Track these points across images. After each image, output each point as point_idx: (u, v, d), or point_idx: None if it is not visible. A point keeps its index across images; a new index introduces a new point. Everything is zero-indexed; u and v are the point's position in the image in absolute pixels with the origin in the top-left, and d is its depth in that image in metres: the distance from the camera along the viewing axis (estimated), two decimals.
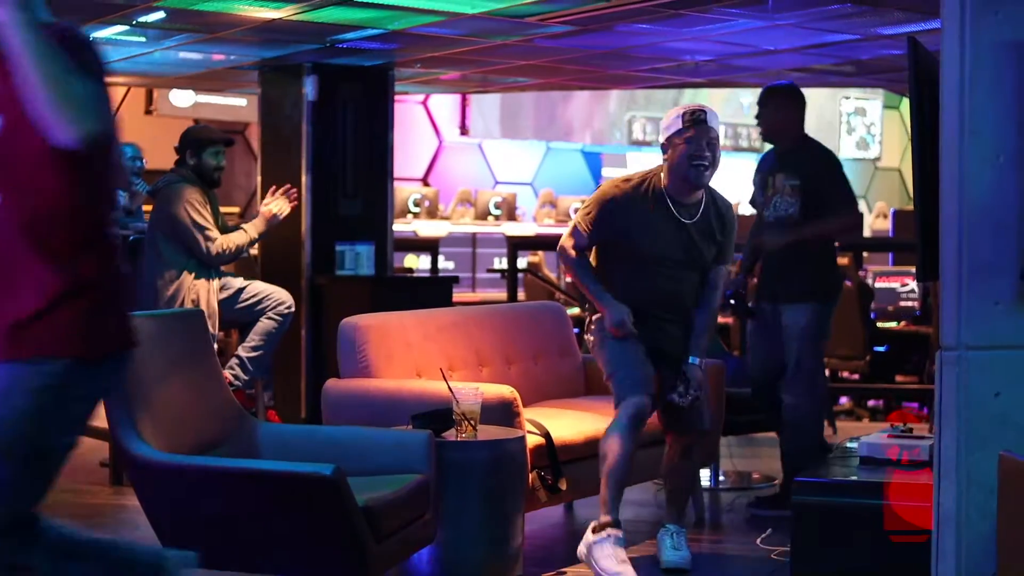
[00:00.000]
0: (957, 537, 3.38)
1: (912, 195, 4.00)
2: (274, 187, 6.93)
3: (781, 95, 6.23)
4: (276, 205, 6.79)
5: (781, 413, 6.06)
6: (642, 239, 5.07)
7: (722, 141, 5.20)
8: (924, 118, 3.67)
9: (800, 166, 6.04)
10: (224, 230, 6.74)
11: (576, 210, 16.04)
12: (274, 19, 7.37)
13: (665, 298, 5.13)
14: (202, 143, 6.72)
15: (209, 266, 6.57)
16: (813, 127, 6.39)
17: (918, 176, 3.74)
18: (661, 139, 5.14)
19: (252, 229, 6.71)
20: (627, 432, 4.85)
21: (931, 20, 6.68)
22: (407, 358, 5.39)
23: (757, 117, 6.26)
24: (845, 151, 19.88)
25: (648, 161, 19.46)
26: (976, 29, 3.34)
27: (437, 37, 7.95)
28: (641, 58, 8.82)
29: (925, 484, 4.11)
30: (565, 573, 5.05)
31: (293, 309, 6.81)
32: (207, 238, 6.52)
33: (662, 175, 5.12)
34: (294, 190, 6.90)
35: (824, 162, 6.12)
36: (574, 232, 5.14)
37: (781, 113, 6.16)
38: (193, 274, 6.55)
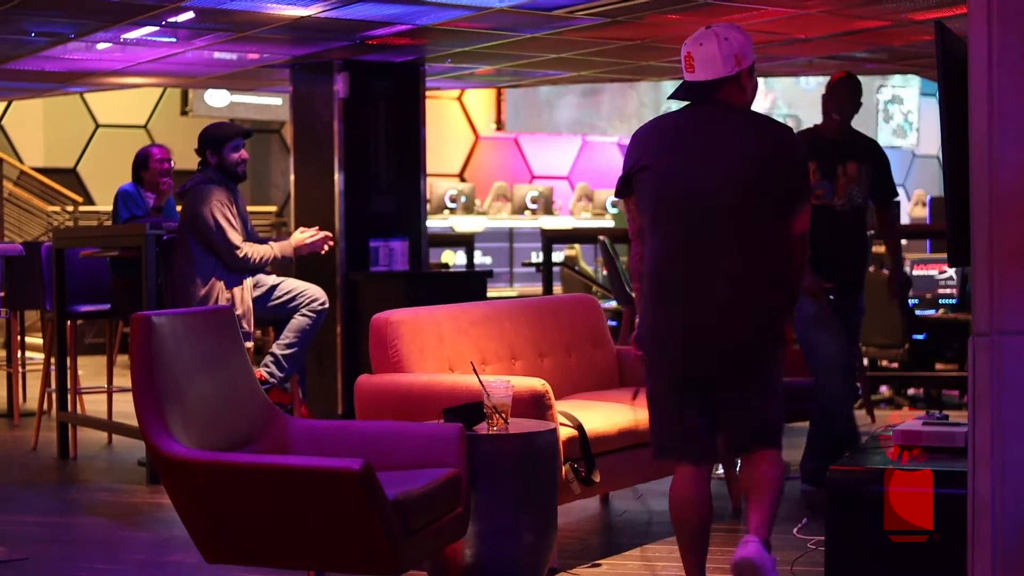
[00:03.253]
0: (993, 524, 3.35)
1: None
2: (317, 228, 7.04)
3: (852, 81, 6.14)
4: (312, 237, 6.87)
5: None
6: None
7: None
8: (953, 103, 3.64)
9: (866, 151, 6.05)
10: (250, 236, 6.76)
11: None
12: (303, 16, 7.39)
13: None
14: (219, 140, 6.73)
15: (232, 271, 6.58)
16: None
17: (948, 161, 3.71)
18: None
19: (278, 248, 6.76)
20: None
21: (961, 5, 6.65)
22: (439, 352, 5.38)
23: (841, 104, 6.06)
24: (882, 139, 19.74)
25: None
26: (1003, 11, 3.31)
27: (466, 32, 7.95)
28: (672, 49, 8.80)
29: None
30: (600, 565, 5.03)
31: (327, 306, 6.81)
32: (231, 243, 6.53)
33: None
34: (331, 241, 7.02)
35: (876, 145, 6.21)
36: None
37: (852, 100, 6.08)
38: (224, 280, 6.55)
